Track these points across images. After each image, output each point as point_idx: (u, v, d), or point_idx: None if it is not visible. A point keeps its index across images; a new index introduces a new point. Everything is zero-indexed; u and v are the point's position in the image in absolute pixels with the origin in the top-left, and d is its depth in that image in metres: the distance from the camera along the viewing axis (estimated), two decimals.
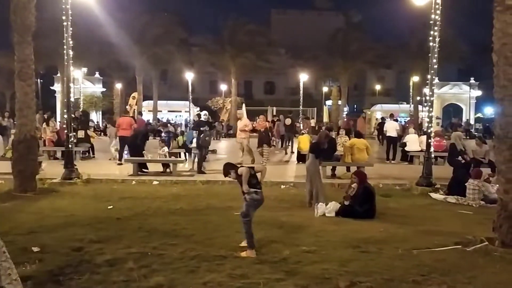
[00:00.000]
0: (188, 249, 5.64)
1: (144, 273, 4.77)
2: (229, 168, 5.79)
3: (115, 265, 4.99)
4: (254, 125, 15.51)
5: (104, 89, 46.10)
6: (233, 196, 9.49)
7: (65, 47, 10.15)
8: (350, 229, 6.84)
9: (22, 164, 9.13)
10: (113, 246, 5.65)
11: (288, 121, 19.45)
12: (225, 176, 5.85)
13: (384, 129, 17.06)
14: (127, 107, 38.96)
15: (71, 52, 10.28)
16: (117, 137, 13.75)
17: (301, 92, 32.33)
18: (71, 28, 10.10)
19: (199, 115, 20.45)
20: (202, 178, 11.31)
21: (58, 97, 41.02)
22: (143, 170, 11.80)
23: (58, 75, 40.38)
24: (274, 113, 31.44)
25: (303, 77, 33.24)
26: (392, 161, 15.88)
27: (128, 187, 10.36)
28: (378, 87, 57.95)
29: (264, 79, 56.71)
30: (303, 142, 14.64)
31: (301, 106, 31.90)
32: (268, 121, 16.10)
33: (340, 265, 5.11)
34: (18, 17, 8.87)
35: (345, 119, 25.43)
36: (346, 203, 7.77)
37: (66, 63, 10.27)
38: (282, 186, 10.81)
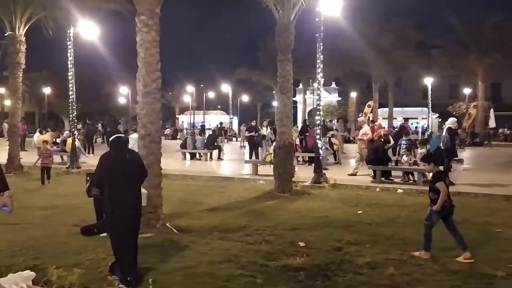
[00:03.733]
0: (448, 262, 5.40)
1: (407, 281, 4.78)
2: (432, 159, 5.85)
3: (375, 269, 5.15)
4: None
5: (339, 98, 48.05)
6: (490, 210, 8.64)
7: (318, 61, 11.05)
8: None
9: (281, 167, 10.34)
10: (370, 250, 5.84)
11: None
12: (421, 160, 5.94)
13: None
14: (360, 115, 39.67)
15: (321, 66, 11.12)
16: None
17: None
18: (321, 44, 10.94)
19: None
20: (452, 190, 10.55)
21: (300, 107, 44.71)
22: (389, 178, 11.80)
23: (300, 86, 44.09)
24: None
25: None
26: None
27: (373, 194, 10.52)
28: None
29: None
30: None
31: None
32: (384, 128, 14.36)
33: None
34: (281, 38, 10.16)
35: None
36: None
37: (318, 75, 11.19)
38: None
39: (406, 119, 23.58)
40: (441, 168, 5.83)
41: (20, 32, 14.35)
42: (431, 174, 5.94)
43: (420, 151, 12.06)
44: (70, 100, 15.74)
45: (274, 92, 40.92)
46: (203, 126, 22.69)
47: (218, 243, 6.14)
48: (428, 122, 31.76)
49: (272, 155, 11.88)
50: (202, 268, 5.12)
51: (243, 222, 7.42)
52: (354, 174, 12.75)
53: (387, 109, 39.06)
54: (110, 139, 5.10)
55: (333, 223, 7.46)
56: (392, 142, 13.75)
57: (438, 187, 5.51)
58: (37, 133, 22.69)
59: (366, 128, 13.57)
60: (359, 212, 8.42)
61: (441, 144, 11.82)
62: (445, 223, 5.67)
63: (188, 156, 18.92)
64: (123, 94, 53.29)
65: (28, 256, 5.34)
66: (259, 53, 42.87)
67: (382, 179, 11.69)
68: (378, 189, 10.95)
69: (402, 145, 12.29)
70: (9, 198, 4.05)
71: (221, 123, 30.86)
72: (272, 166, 11.37)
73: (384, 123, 38.42)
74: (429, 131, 27.78)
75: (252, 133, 17.67)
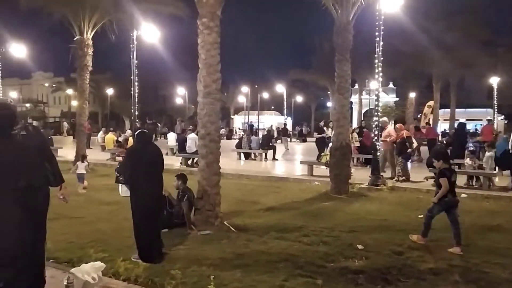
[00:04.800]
0: None
1: None
2: (441, 156, 6.35)
3: (439, 275, 4.98)
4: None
5: (397, 99, 46.68)
6: None
7: (376, 61, 10.80)
8: None
9: (338, 168, 10.22)
10: (434, 255, 5.64)
11: None
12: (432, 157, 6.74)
13: None
14: (418, 116, 38.32)
15: (381, 65, 10.86)
16: None
17: None
18: (382, 43, 10.69)
19: None
20: None
21: (355, 108, 43.92)
22: None
23: (356, 87, 43.30)
24: None
25: None
26: None
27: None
28: None
29: None
30: None
31: None
32: (407, 130, 13.29)
33: None
34: (339, 37, 10.04)
35: None
36: None
37: (377, 76, 10.95)
38: None
39: (489, 121, 22.53)
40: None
41: (87, 36, 15.20)
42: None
43: (488, 154, 11.44)
44: (132, 101, 16.40)
45: (329, 92, 40.51)
46: (251, 126, 22.89)
47: (275, 243, 6.18)
48: (494, 123, 30.08)
49: (328, 156, 11.77)
50: (260, 267, 5.17)
51: (300, 223, 7.41)
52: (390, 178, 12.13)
53: (448, 110, 37.43)
54: (135, 133, 5.83)
55: (392, 227, 7.27)
56: (416, 144, 13.29)
57: (440, 182, 6.04)
58: (101, 132, 23.93)
59: (390, 129, 12.81)
60: (420, 216, 8.09)
61: (509, 147, 11.17)
62: (447, 215, 6.19)
63: (243, 156, 19.14)
64: (180, 94, 54.84)
65: (96, 248, 5.64)
66: (314, 53, 42.63)
67: None
68: None
69: (468, 148, 11.71)
70: (65, 188, 4.32)
71: (285, 124, 30.98)
72: (327, 167, 11.26)
73: (446, 125, 36.96)
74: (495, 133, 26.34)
75: (323, 134, 17.44)
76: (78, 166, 10.74)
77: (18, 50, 23.12)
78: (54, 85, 64.58)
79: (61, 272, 4.77)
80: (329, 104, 47.86)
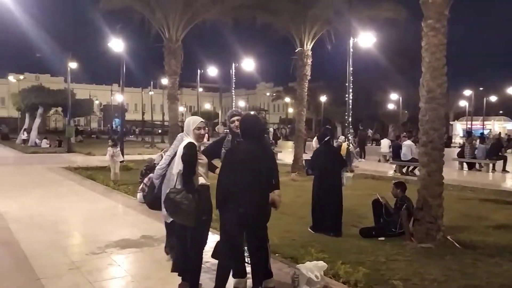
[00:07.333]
0: None
1: None
2: None
3: None
4: None
5: None
6: None
7: None
8: None
9: None
10: None
11: None
12: None
13: None
14: None
15: None
16: None
17: None
18: None
19: None
20: None
21: None
22: None
23: None
24: None
25: None
26: None
27: None
28: None
29: None
30: None
31: None
32: None
33: None
34: None
35: None
36: None
37: None
38: None
39: None
40: None
41: (307, 48, 16.19)
42: None
43: None
44: (347, 108, 16.73)
45: None
46: (469, 133, 20.53)
47: (511, 265, 5.41)
48: None
49: None
50: None
51: None
52: None
53: None
54: (324, 139, 7.58)
55: None
56: None
57: None
58: (316, 138, 25.10)
59: None
60: None
61: None
62: None
63: (465, 166, 17.40)
64: (393, 100, 53.28)
65: (316, 248, 5.89)
66: None
67: None
68: None
69: None
70: (278, 196, 4.34)
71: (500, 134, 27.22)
72: None
73: None
74: None
75: None
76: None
77: (248, 64, 26.29)
78: (274, 94, 71.13)
79: (286, 266, 5.18)
80: None
